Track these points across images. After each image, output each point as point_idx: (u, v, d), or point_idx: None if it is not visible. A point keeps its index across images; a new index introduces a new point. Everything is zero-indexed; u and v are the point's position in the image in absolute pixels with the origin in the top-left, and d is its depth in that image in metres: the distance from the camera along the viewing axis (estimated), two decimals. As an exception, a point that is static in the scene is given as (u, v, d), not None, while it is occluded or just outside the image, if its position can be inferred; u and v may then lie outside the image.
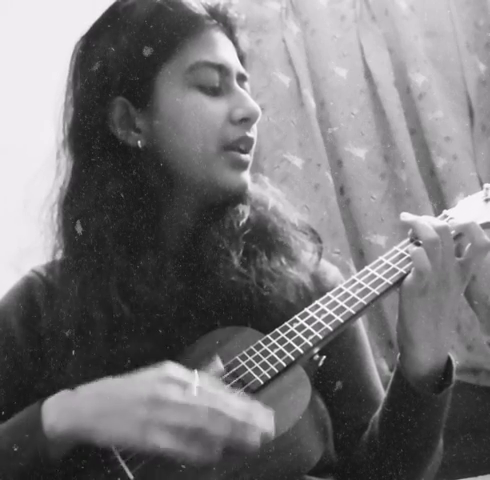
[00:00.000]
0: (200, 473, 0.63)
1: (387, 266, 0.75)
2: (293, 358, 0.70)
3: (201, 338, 0.77)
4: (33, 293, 0.84)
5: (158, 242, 0.80)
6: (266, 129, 1.69)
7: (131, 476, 0.64)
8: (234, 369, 0.71)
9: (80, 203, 0.81)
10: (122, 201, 0.79)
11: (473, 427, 1.52)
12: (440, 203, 1.66)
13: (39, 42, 1.42)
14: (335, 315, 0.72)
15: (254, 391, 0.68)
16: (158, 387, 0.63)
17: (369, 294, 0.73)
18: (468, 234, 0.74)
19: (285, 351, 0.70)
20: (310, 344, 0.70)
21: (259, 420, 0.61)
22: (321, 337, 0.71)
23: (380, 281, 0.74)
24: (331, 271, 0.91)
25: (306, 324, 0.72)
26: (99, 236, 0.78)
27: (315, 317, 0.73)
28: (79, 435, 0.65)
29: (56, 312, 0.78)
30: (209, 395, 0.62)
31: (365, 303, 0.73)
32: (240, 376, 0.70)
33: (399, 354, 0.78)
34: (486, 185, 0.80)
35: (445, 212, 0.80)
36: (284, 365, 0.69)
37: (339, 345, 0.81)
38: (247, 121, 0.82)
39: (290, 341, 0.71)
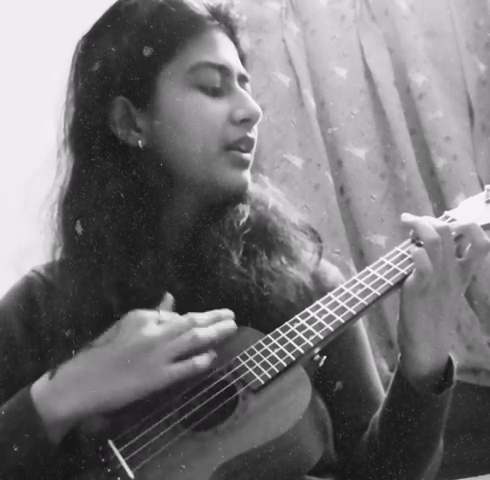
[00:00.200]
0: (200, 471, 0.63)
1: (388, 267, 0.75)
2: (294, 358, 0.69)
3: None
4: (33, 293, 0.84)
5: (158, 242, 0.80)
6: (266, 129, 1.69)
7: (132, 475, 0.64)
8: (235, 368, 0.71)
9: (80, 203, 0.81)
10: (122, 201, 0.79)
11: (473, 427, 1.52)
12: (440, 203, 1.66)
13: (40, 42, 1.42)
14: (336, 315, 0.72)
15: (255, 391, 0.68)
16: (142, 330, 0.69)
17: (370, 295, 0.73)
18: (469, 235, 0.74)
19: (286, 351, 0.70)
20: (311, 344, 0.70)
21: (223, 314, 0.73)
22: (322, 337, 0.71)
23: (381, 282, 0.74)
24: (331, 271, 0.91)
25: (307, 324, 0.72)
26: (99, 236, 0.78)
27: (316, 317, 0.73)
28: (86, 411, 0.67)
29: (56, 312, 0.78)
30: (180, 317, 0.71)
31: (366, 304, 0.72)
32: (241, 376, 0.70)
33: (400, 354, 0.78)
34: (487, 186, 0.80)
35: (446, 213, 0.80)
36: (285, 365, 0.69)
37: (339, 345, 0.81)
38: (248, 122, 0.82)
39: (291, 341, 0.71)
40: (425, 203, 1.65)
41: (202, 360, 0.69)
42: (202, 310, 0.77)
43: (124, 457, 0.66)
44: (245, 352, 0.72)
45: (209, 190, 0.82)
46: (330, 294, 0.75)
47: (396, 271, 0.75)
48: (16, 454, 0.66)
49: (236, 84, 0.83)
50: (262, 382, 0.68)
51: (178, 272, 0.79)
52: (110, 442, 0.67)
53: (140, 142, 0.81)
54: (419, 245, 0.75)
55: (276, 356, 0.70)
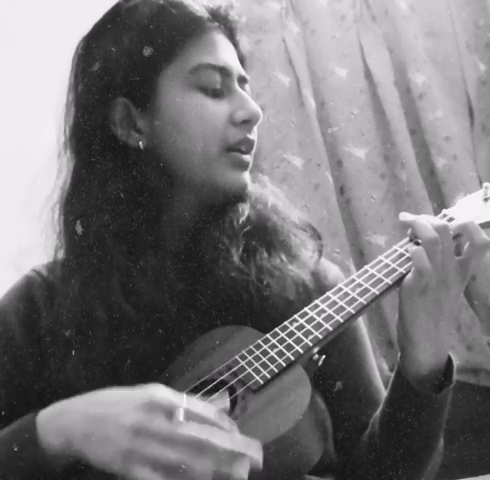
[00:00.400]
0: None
1: (387, 265, 0.75)
2: (293, 358, 0.69)
3: (200, 337, 0.77)
4: (33, 293, 0.84)
5: (158, 242, 0.80)
6: (266, 129, 1.69)
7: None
8: (234, 369, 0.71)
9: (81, 203, 0.81)
10: (122, 201, 0.79)
11: (473, 427, 1.52)
12: (440, 203, 1.66)
13: (41, 42, 1.42)
14: (335, 315, 0.72)
15: (254, 391, 0.68)
16: (141, 415, 0.59)
17: (369, 294, 0.73)
18: (467, 234, 0.74)
19: (285, 351, 0.70)
20: (310, 344, 0.70)
21: (247, 451, 0.58)
22: (321, 337, 0.71)
23: (380, 281, 0.74)
24: (332, 269, 0.91)
25: (306, 324, 0.72)
26: (99, 236, 0.78)
27: (315, 317, 0.73)
28: (74, 455, 0.63)
29: (56, 312, 0.78)
30: (195, 423, 0.58)
31: (365, 303, 0.73)
32: (240, 376, 0.70)
33: (399, 354, 0.78)
34: (485, 184, 0.80)
35: (444, 211, 0.80)
36: (284, 365, 0.69)
37: (339, 345, 0.81)
38: (248, 123, 0.82)
39: (290, 341, 0.71)
40: (425, 203, 1.65)
41: None
42: (202, 310, 0.78)
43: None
44: (244, 352, 0.72)
45: (209, 190, 0.82)
46: (329, 293, 0.75)
47: (395, 270, 0.75)
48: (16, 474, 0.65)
49: (236, 85, 0.83)
50: (261, 382, 0.68)
51: (178, 272, 0.80)
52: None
53: (140, 143, 0.81)
54: (417, 244, 0.75)
55: (275, 356, 0.70)
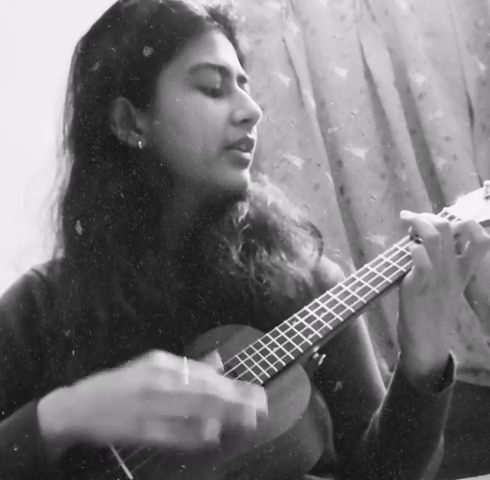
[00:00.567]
0: (200, 472, 0.63)
1: (387, 264, 0.75)
2: (293, 357, 0.69)
3: (200, 337, 0.77)
4: (33, 292, 0.84)
5: (158, 242, 0.80)
6: (266, 129, 1.69)
7: (130, 476, 0.64)
8: (233, 368, 0.70)
9: (80, 203, 0.81)
10: (122, 201, 0.79)
11: (473, 427, 1.52)
12: (440, 203, 1.66)
13: (40, 41, 1.42)
14: (335, 314, 0.72)
15: (254, 390, 0.68)
16: (148, 379, 0.62)
17: (369, 293, 0.73)
18: (467, 232, 0.74)
19: (285, 350, 0.70)
20: (310, 343, 0.70)
21: (252, 400, 0.61)
22: (321, 336, 0.71)
23: (380, 279, 0.74)
24: (332, 268, 0.91)
25: (306, 323, 0.72)
26: (99, 236, 0.78)
27: (315, 315, 0.73)
28: (77, 435, 0.64)
29: (56, 312, 0.78)
30: (200, 381, 0.62)
31: (365, 302, 0.72)
32: (239, 375, 0.70)
33: (400, 353, 0.78)
34: (486, 182, 0.80)
35: (445, 209, 0.80)
36: (284, 364, 0.69)
37: (340, 344, 0.81)
38: (248, 122, 0.82)
39: (290, 340, 0.71)
40: (425, 203, 1.65)
41: (197, 437, 0.60)
42: (202, 310, 0.77)
43: (123, 458, 0.66)
44: (244, 351, 0.72)
45: (209, 190, 0.82)
46: (329, 292, 0.75)
47: (395, 268, 0.74)
48: (16, 467, 0.65)
49: (236, 85, 0.83)
50: (261, 382, 0.68)
51: (178, 272, 0.79)
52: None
53: (140, 143, 0.81)
54: (418, 242, 0.75)
55: (275, 355, 0.70)
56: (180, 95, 0.80)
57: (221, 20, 0.83)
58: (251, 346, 0.72)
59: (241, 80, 0.85)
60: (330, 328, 0.71)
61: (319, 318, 0.72)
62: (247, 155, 0.83)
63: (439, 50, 1.75)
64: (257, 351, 0.71)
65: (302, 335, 0.71)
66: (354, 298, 0.73)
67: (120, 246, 0.78)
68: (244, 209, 0.82)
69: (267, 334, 0.73)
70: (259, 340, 0.72)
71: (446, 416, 0.77)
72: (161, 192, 0.81)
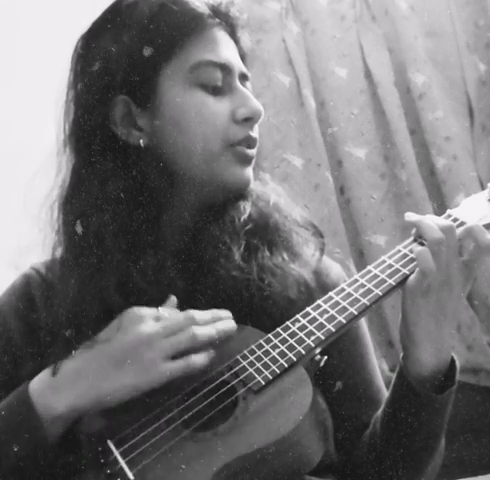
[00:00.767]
0: (200, 473, 0.63)
1: (390, 266, 0.75)
2: (295, 359, 0.69)
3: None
4: (33, 292, 0.84)
5: (158, 241, 0.80)
6: (266, 129, 1.69)
7: (131, 476, 0.64)
8: (235, 369, 0.70)
9: (80, 203, 0.81)
10: (122, 201, 0.79)
11: (473, 427, 1.52)
12: (440, 203, 1.66)
13: (42, 39, 1.42)
14: (337, 315, 0.72)
15: (255, 391, 0.68)
16: (139, 327, 0.69)
17: (372, 294, 0.73)
18: (471, 236, 0.73)
19: (287, 351, 0.70)
20: (312, 345, 0.70)
21: (223, 313, 0.73)
22: (323, 338, 0.70)
23: (383, 281, 0.74)
24: (334, 268, 0.91)
25: (308, 324, 0.72)
26: (99, 236, 0.78)
27: (317, 317, 0.72)
28: (82, 408, 0.67)
29: (56, 311, 0.78)
30: (179, 314, 0.71)
31: (368, 303, 0.72)
32: (241, 376, 0.69)
33: (402, 354, 0.77)
34: None
35: (449, 211, 0.79)
36: (286, 366, 0.69)
37: (340, 344, 0.81)
38: (250, 120, 0.81)
39: (292, 341, 0.71)
40: (425, 203, 1.65)
41: (199, 358, 0.69)
42: (202, 310, 0.77)
43: (124, 458, 0.65)
44: (246, 352, 0.71)
45: (210, 189, 0.81)
46: (331, 293, 0.75)
47: (398, 270, 0.74)
48: (15, 453, 0.66)
49: (237, 83, 0.83)
50: (263, 383, 0.68)
51: (178, 271, 0.79)
52: (109, 443, 0.67)
53: (141, 141, 0.80)
54: (422, 244, 0.74)
55: (277, 356, 0.70)
56: (181, 94, 0.80)
57: (223, 17, 0.83)
58: (253, 347, 0.72)
59: (243, 78, 0.84)
60: (332, 330, 0.71)
61: (321, 320, 0.72)
62: (251, 152, 0.82)
63: (439, 50, 1.75)
64: (259, 352, 0.71)
65: (304, 337, 0.71)
66: (357, 300, 0.73)
67: (120, 246, 0.77)
68: (246, 208, 0.82)
69: (269, 335, 0.73)
70: (261, 341, 0.72)
71: (447, 417, 0.77)
72: (161, 192, 0.80)
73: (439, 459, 0.82)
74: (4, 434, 0.67)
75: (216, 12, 0.82)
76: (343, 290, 0.75)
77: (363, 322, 0.89)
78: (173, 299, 0.75)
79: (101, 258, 0.77)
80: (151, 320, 0.70)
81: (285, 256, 0.82)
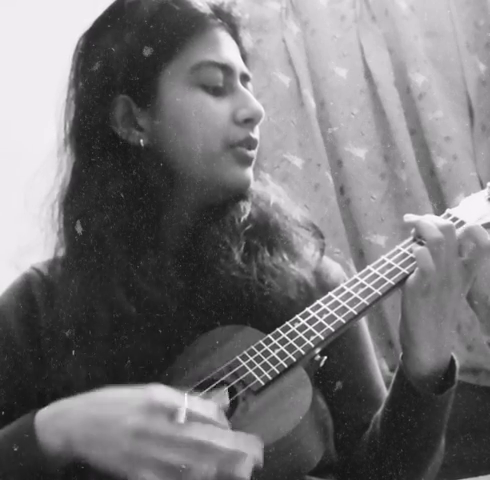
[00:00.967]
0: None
1: (390, 266, 0.75)
2: (295, 359, 0.69)
3: (201, 337, 0.77)
4: (33, 292, 0.84)
5: (158, 242, 0.80)
6: (266, 129, 1.69)
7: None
8: (235, 369, 0.70)
9: (80, 203, 0.81)
10: (122, 201, 0.79)
11: (473, 427, 1.52)
12: (440, 203, 1.66)
13: (41, 39, 1.42)
14: (337, 316, 0.72)
15: (255, 392, 0.68)
16: (143, 418, 0.59)
17: (372, 294, 0.73)
18: (471, 237, 0.73)
19: (286, 352, 0.70)
20: (312, 345, 0.70)
21: (248, 450, 0.59)
22: (323, 338, 0.70)
23: (383, 281, 0.74)
24: (334, 268, 0.91)
25: (307, 324, 0.72)
26: (99, 236, 0.78)
27: (317, 317, 0.72)
28: (75, 456, 0.63)
29: (56, 312, 0.78)
30: (197, 423, 0.59)
31: (367, 304, 0.72)
32: (241, 377, 0.69)
33: (401, 354, 0.77)
34: (489, 184, 0.80)
35: (448, 211, 0.79)
36: (285, 366, 0.69)
37: (340, 344, 0.81)
38: (251, 121, 0.82)
39: (291, 342, 0.71)
40: (425, 203, 1.65)
41: None
42: (202, 310, 0.77)
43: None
44: (245, 352, 0.71)
45: (210, 190, 0.81)
46: (331, 293, 0.75)
47: (398, 270, 0.74)
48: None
49: (239, 83, 0.83)
50: (262, 383, 0.68)
51: (178, 271, 0.79)
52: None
53: (141, 141, 0.80)
54: (421, 244, 0.74)
55: (277, 357, 0.70)
56: (181, 94, 0.80)
57: (225, 17, 0.83)
58: (253, 347, 0.72)
59: (244, 78, 0.84)
60: (332, 330, 0.71)
61: (321, 320, 0.72)
62: (252, 153, 0.82)
63: (439, 50, 1.75)
64: (259, 352, 0.71)
65: (304, 337, 0.71)
66: (357, 300, 0.73)
67: (120, 246, 0.78)
68: (246, 209, 0.82)
69: (269, 335, 0.73)
70: (260, 341, 0.72)
71: (447, 417, 0.77)
72: (161, 192, 0.80)
73: (439, 459, 0.82)
74: (6, 462, 0.65)
75: (218, 12, 0.82)
76: (343, 290, 0.74)
77: (363, 322, 0.89)
78: (224, 393, 0.67)
79: (101, 258, 0.77)
80: (163, 415, 0.59)
81: (285, 256, 0.82)
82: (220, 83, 0.81)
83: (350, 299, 0.73)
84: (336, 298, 0.74)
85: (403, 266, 0.74)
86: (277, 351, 0.70)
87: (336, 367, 0.82)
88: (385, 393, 0.83)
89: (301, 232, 0.86)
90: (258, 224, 0.82)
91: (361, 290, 0.73)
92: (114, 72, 0.80)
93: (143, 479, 0.57)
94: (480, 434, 1.54)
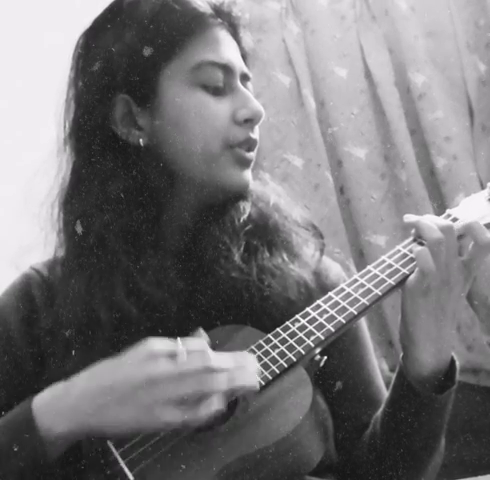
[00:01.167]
0: (200, 473, 0.63)
1: (390, 266, 0.75)
2: (295, 359, 0.69)
3: (201, 337, 0.77)
4: (33, 292, 0.84)
5: (158, 242, 0.80)
6: (266, 129, 1.69)
7: (131, 477, 0.64)
8: (235, 369, 0.70)
9: (80, 203, 0.81)
10: (122, 201, 0.79)
11: (473, 427, 1.52)
12: (440, 203, 1.66)
13: (42, 37, 1.42)
14: (337, 316, 0.72)
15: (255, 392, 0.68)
16: (148, 366, 0.64)
17: (372, 294, 0.73)
18: (471, 234, 0.73)
19: (286, 352, 0.70)
20: (312, 345, 0.70)
21: (248, 363, 0.66)
22: (323, 338, 0.70)
23: (383, 281, 0.74)
24: (333, 268, 0.91)
25: (308, 324, 0.72)
26: (99, 236, 0.78)
27: (317, 317, 0.72)
28: (82, 433, 0.65)
29: (56, 312, 0.78)
30: (197, 355, 0.64)
31: (367, 304, 0.72)
32: (241, 376, 0.70)
33: (401, 354, 0.77)
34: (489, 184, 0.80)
35: (448, 211, 0.79)
36: (285, 366, 0.69)
37: (340, 344, 0.81)
38: (251, 122, 0.81)
39: (291, 341, 0.71)
40: (425, 203, 1.65)
41: (206, 409, 0.63)
42: (202, 310, 0.77)
43: (124, 458, 0.66)
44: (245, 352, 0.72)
45: (209, 190, 0.81)
46: (331, 293, 0.75)
47: (398, 270, 0.74)
48: (15, 468, 0.65)
49: (239, 83, 0.82)
50: (262, 383, 0.68)
51: (178, 271, 0.79)
52: (109, 443, 0.67)
53: (141, 140, 0.80)
54: (421, 244, 0.74)
55: (277, 357, 0.70)
56: (181, 94, 0.80)
57: (225, 17, 0.82)
58: (253, 347, 0.72)
59: (244, 78, 0.84)
60: (332, 330, 0.71)
61: (321, 320, 0.72)
62: (250, 155, 0.82)
63: (439, 50, 1.75)
64: (258, 352, 0.71)
65: (304, 337, 0.71)
66: (356, 300, 0.73)
67: (120, 246, 0.78)
68: (246, 209, 0.82)
69: (269, 335, 0.73)
70: (260, 341, 0.72)
71: (447, 417, 0.77)
72: (161, 192, 0.80)
73: (439, 459, 0.82)
74: (5, 450, 0.66)
75: (218, 12, 0.82)
76: (343, 290, 0.74)
77: (363, 322, 0.89)
78: (200, 333, 0.70)
79: (101, 258, 0.77)
80: (164, 359, 0.64)
81: (285, 257, 0.82)
82: (220, 83, 0.80)
83: (350, 299, 0.73)
84: (336, 298, 0.74)
85: (403, 266, 0.74)
86: (277, 351, 0.70)
87: (336, 367, 0.82)
88: (385, 393, 0.83)
89: (301, 232, 0.86)
90: (258, 224, 0.82)
91: (361, 290, 0.74)
92: (114, 72, 0.79)
93: (168, 421, 0.62)
94: (480, 434, 1.54)
